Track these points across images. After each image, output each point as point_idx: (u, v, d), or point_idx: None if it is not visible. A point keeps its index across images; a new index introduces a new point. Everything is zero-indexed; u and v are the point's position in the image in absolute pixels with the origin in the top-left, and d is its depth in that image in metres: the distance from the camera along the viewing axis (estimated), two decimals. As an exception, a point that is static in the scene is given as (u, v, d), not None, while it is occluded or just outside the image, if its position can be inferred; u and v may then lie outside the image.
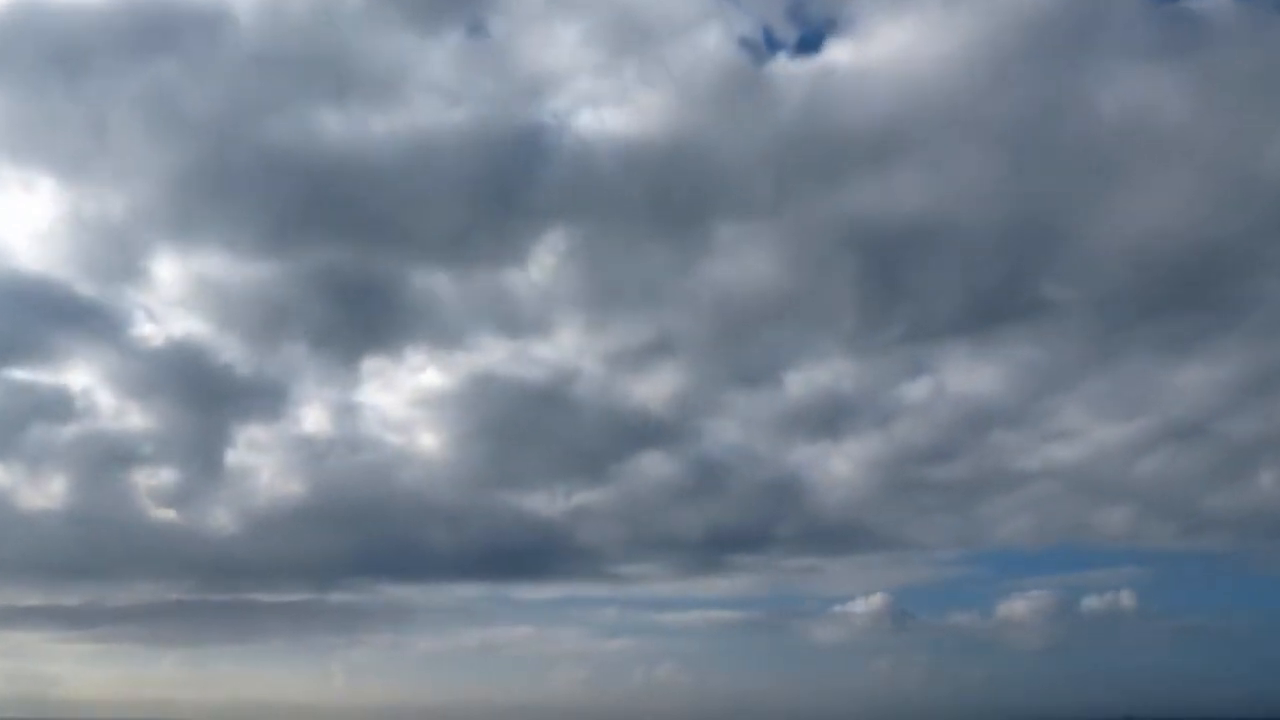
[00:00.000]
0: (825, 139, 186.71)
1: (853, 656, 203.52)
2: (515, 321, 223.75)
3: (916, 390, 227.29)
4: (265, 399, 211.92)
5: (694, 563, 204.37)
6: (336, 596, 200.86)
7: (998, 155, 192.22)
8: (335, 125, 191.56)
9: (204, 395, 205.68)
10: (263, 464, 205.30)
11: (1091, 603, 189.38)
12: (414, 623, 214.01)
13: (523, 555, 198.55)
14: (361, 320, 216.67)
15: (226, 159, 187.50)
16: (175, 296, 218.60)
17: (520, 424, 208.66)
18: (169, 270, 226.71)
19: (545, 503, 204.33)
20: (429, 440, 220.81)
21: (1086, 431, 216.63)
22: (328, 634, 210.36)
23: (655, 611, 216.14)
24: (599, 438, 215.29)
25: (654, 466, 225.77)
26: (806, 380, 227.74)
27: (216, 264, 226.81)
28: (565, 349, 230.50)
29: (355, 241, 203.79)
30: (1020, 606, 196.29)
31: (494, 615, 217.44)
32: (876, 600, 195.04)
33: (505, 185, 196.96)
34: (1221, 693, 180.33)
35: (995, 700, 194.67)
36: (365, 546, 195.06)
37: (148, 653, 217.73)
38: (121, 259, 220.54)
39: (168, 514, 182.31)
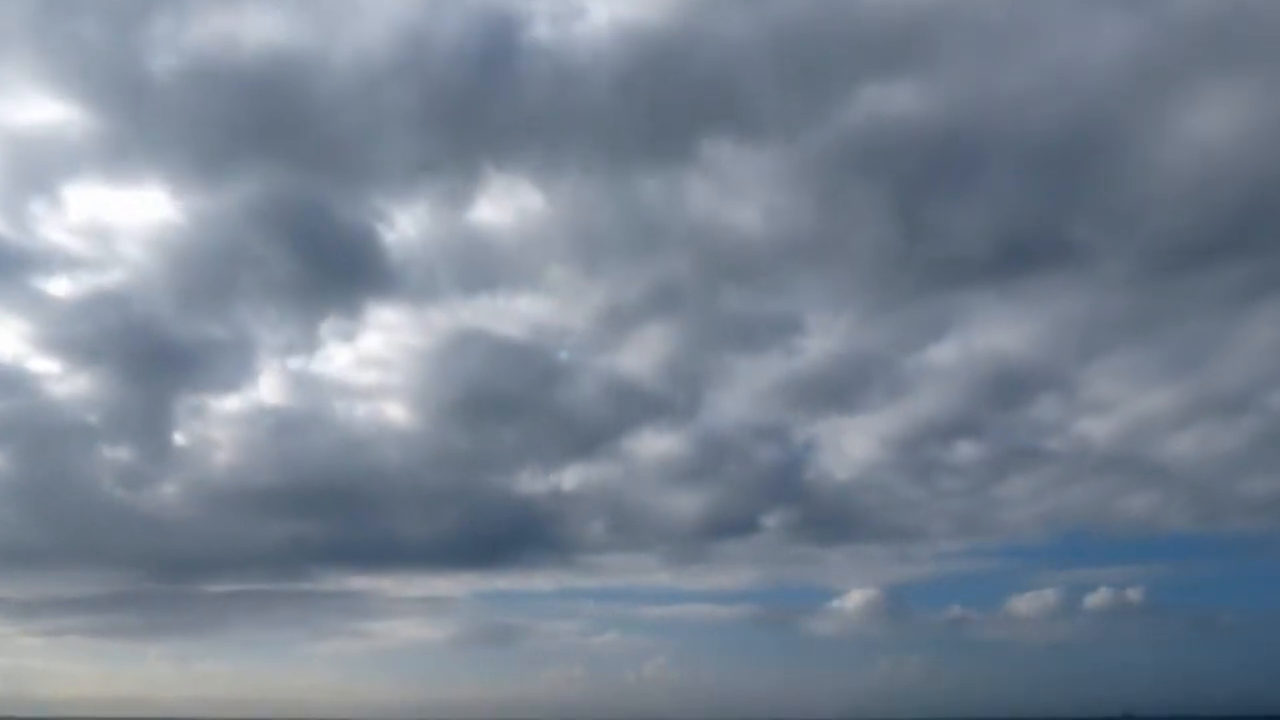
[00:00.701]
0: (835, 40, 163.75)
1: (851, 652, 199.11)
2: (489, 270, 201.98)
3: (933, 355, 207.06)
4: (212, 364, 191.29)
5: (685, 552, 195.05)
6: (296, 586, 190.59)
7: (1032, 61, 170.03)
8: (270, 29, 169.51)
9: (137, 360, 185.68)
10: (210, 441, 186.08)
11: (1115, 596, 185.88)
12: (382, 615, 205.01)
13: (502, 542, 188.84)
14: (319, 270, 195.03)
15: (146, 70, 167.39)
16: (93, 238, 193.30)
17: (501, 394, 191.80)
18: (85, 207, 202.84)
19: (527, 484, 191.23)
20: (397, 412, 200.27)
21: (1119, 404, 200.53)
22: (284, 628, 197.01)
23: (645, 604, 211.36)
24: (587, 410, 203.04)
25: (645, 444, 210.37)
26: (813, 342, 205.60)
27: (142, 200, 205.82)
28: (549, 304, 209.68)
29: (302, 170, 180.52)
30: (1034, 601, 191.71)
31: (470, 606, 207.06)
32: (876, 594, 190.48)
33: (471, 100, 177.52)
34: (1240, 688, 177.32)
35: (1003, 697, 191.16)
36: (328, 533, 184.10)
37: (92, 645, 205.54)
38: (27, 191, 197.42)
39: (102, 495, 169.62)
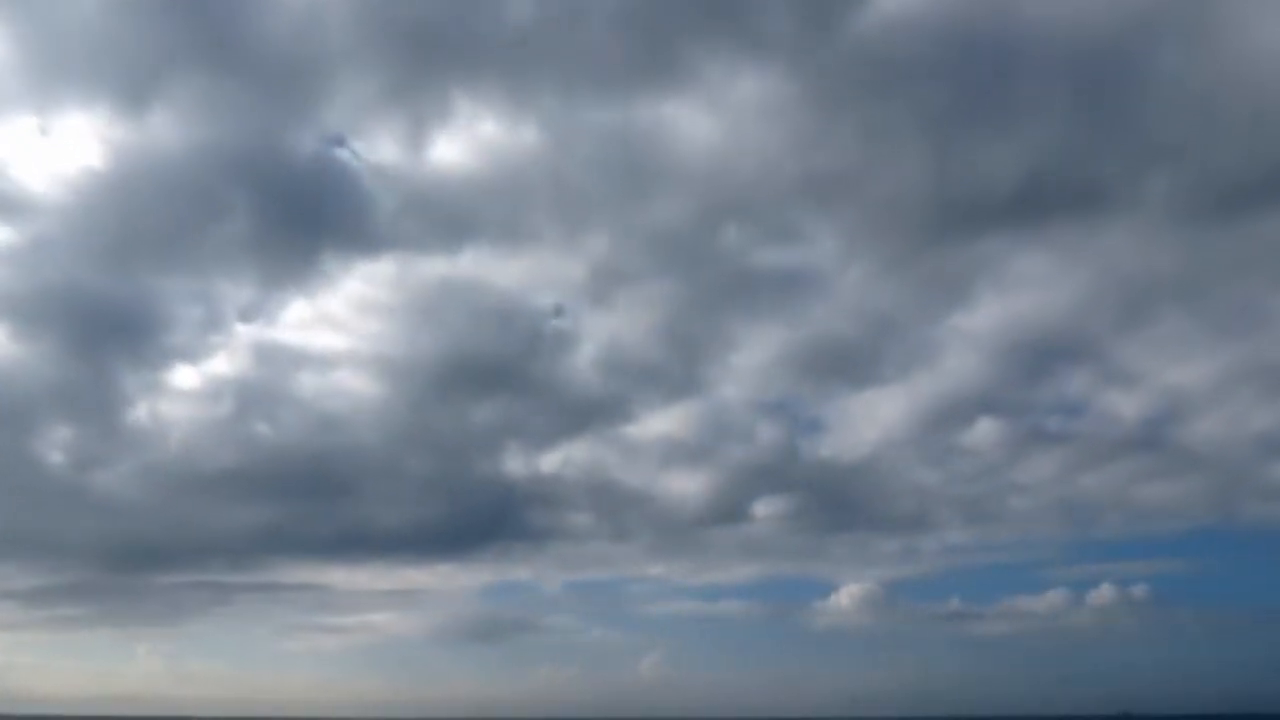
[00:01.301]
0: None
1: (846, 647, 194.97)
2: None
3: (957, 319, 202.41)
4: (149, 332, 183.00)
5: (680, 542, 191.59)
6: (260, 578, 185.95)
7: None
8: None
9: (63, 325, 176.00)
10: (150, 418, 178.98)
11: (1121, 592, 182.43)
12: (355, 609, 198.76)
13: (483, 531, 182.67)
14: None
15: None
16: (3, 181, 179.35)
17: (481, 363, 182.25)
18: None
19: (511, 465, 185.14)
20: (366, 384, 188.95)
21: (1151, 376, 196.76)
22: (247, 622, 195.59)
23: (637, 598, 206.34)
24: (576, 383, 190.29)
25: (639, 422, 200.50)
26: (825, 306, 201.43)
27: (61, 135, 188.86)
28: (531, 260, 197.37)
29: (248, 98, 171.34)
30: (1038, 597, 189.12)
31: (445, 598, 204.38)
32: (876, 587, 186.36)
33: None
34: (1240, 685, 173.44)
35: (1001, 694, 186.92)
36: (294, 520, 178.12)
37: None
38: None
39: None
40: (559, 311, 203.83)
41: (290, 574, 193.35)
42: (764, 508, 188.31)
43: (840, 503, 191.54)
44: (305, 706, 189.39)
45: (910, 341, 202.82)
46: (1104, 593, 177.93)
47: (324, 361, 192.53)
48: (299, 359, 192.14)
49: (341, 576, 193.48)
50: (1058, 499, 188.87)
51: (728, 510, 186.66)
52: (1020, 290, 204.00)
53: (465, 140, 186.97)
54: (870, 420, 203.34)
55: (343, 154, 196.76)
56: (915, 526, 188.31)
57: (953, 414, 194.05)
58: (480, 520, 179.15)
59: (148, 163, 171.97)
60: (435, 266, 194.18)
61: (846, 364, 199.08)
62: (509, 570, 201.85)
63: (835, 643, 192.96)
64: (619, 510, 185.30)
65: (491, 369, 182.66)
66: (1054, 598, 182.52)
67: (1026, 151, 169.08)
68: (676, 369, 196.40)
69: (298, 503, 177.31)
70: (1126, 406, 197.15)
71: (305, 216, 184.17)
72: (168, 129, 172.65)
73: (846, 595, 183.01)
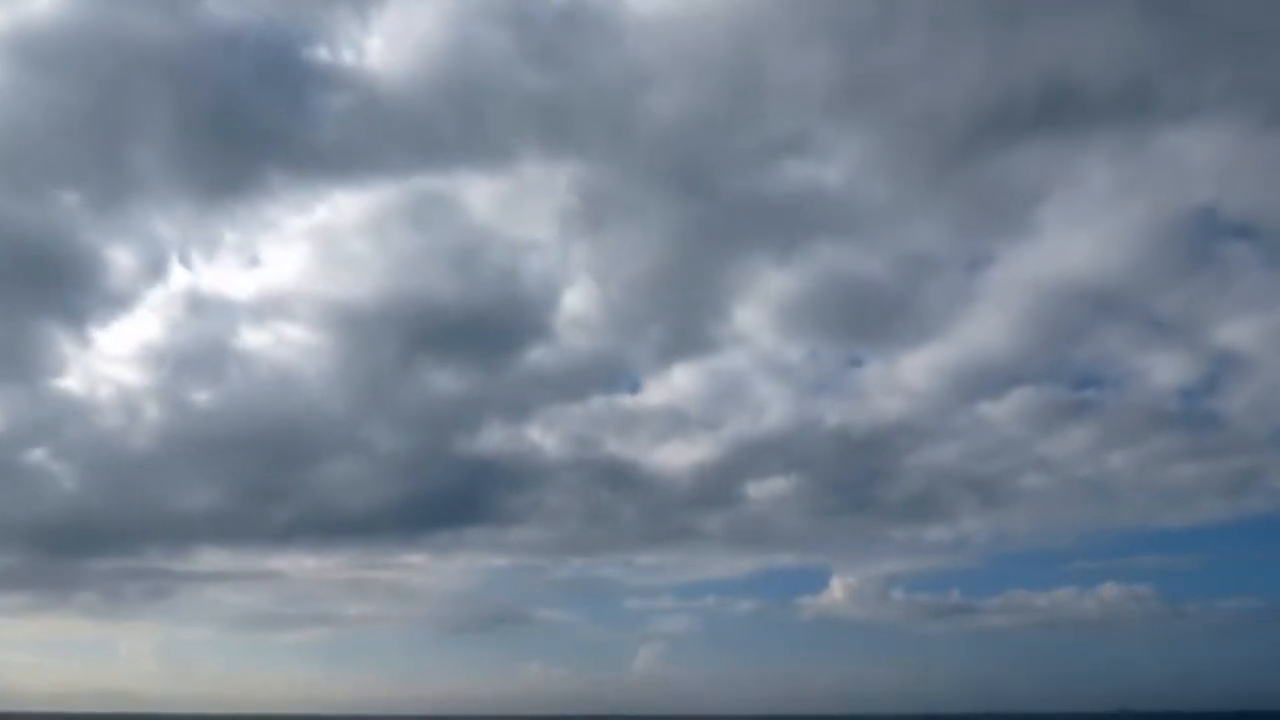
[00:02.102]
0: None
1: (839, 641, 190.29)
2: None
3: (989, 270, 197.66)
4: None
5: (667, 528, 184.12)
6: (199, 565, 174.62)
7: None
8: None
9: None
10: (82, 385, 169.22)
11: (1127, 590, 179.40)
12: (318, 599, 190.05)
13: (452, 513, 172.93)
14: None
15: None
16: None
17: (446, 322, 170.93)
18: None
19: (484, 441, 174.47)
20: (312, 341, 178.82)
21: (1198, 330, 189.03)
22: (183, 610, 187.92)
23: (622, 590, 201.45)
24: (556, 344, 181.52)
25: (625, 390, 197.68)
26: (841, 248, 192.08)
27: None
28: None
29: None
30: (1041, 592, 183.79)
31: (414, 588, 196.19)
32: (872, 578, 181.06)
33: None
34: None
35: (999, 691, 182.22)
36: (238, 501, 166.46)
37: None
38: None
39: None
40: (529, 251, 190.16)
41: (238, 561, 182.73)
42: (766, 488, 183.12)
43: (847, 483, 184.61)
44: (257, 704, 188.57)
45: (940, 289, 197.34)
46: (1111, 588, 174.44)
47: (266, 315, 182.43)
48: (237, 314, 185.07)
49: (295, 564, 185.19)
50: (1081, 479, 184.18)
51: (723, 492, 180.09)
52: (1064, 225, 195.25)
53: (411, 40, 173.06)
54: (892, 384, 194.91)
55: (287, 52, 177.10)
56: (924, 512, 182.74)
57: (981, 380, 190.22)
58: (452, 502, 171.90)
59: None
60: (391, 194, 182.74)
61: (865, 317, 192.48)
62: (484, 558, 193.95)
63: (833, 635, 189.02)
64: (609, 491, 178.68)
65: (465, 321, 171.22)
66: (1061, 594, 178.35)
67: (1073, 50, 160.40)
68: (674, 323, 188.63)
69: (245, 481, 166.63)
70: (1168, 372, 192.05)
71: (244, 129, 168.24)
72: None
73: (844, 586, 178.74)
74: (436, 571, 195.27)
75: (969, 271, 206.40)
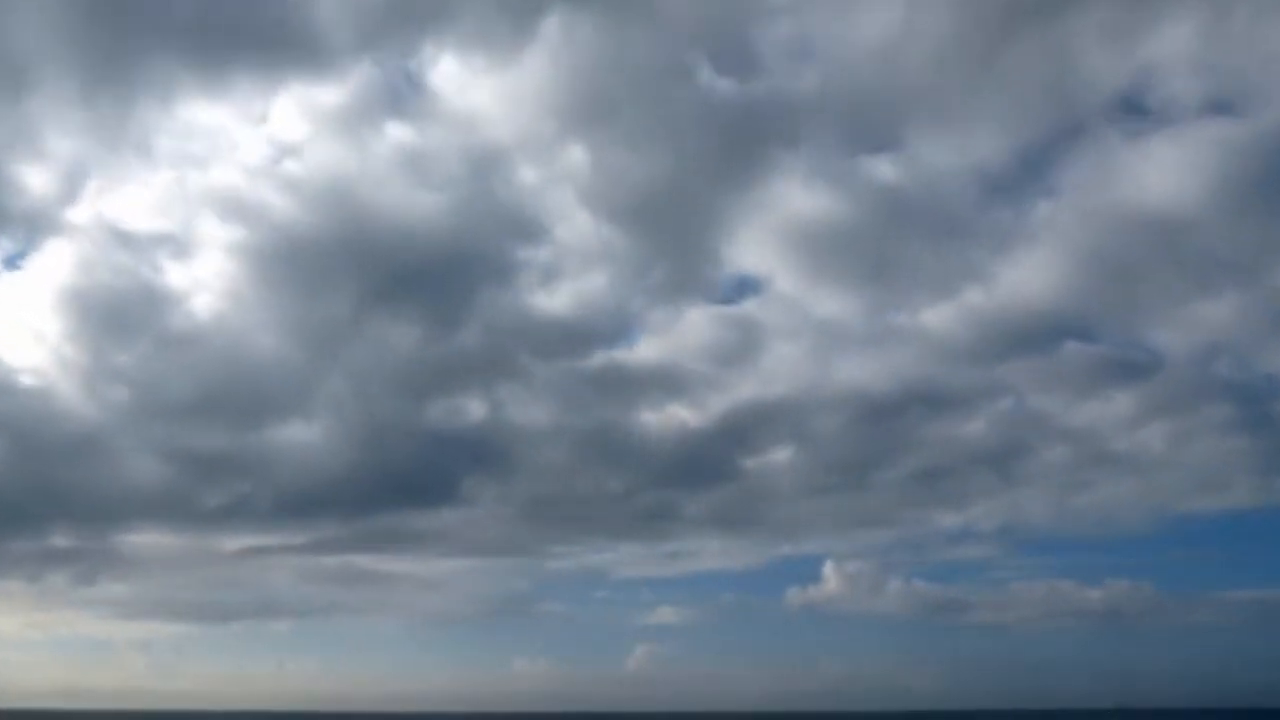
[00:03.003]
0: None
1: (833, 636, 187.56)
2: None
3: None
4: None
5: (635, 525, 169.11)
6: (122, 546, 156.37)
7: None
8: None
9: None
10: None
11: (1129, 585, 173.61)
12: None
13: (413, 492, 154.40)
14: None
15: None
16: None
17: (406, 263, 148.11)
18: None
19: (455, 406, 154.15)
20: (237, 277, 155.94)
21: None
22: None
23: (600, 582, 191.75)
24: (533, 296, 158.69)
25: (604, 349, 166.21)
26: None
27: None
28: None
29: None
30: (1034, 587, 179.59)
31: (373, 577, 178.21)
32: (866, 568, 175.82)
33: None
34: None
35: (995, 687, 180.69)
36: (164, 479, 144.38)
37: None
38: None
39: None
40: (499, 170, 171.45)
41: (173, 543, 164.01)
42: (768, 461, 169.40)
43: (855, 455, 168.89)
44: (186, 700, 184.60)
45: (992, 219, 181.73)
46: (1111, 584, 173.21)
47: (178, 245, 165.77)
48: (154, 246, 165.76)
49: (240, 546, 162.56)
50: (1114, 455, 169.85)
51: (727, 467, 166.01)
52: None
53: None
54: (918, 336, 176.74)
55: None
56: (938, 492, 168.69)
57: (1027, 335, 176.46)
58: (415, 480, 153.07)
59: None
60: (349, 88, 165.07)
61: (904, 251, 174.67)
62: (449, 547, 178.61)
63: (815, 630, 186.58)
64: (596, 465, 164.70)
65: (417, 270, 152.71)
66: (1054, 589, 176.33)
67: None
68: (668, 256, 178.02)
69: (170, 455, 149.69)
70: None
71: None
72: None
73: (833, 578, 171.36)
74: (402, 559, 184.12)
75: (1025, 196, 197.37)
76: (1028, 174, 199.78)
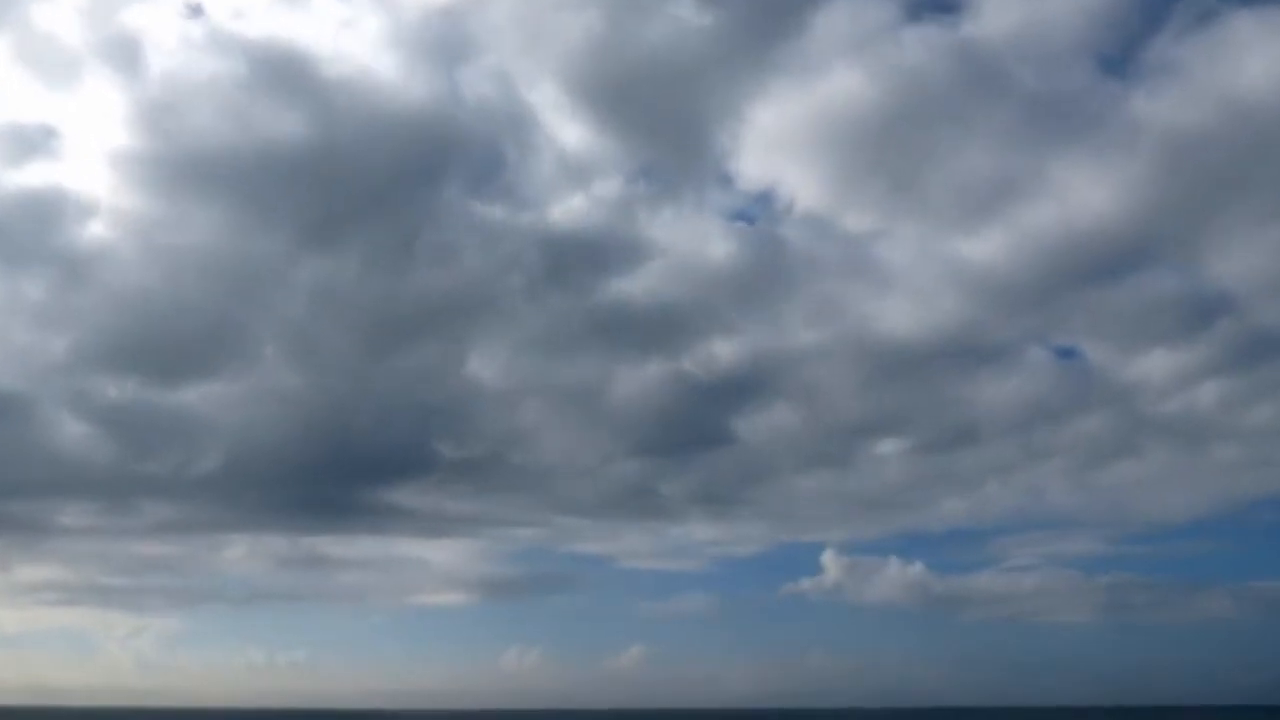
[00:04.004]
0: None
1: (823, 629, 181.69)
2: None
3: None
4: None
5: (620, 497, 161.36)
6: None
7: None
8: None
9: None
10: None
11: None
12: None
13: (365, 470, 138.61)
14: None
15: None
16: None
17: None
18: None
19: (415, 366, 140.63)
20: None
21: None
22: None
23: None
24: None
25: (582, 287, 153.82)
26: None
27: None
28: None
29: None
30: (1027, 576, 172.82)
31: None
32: (860, 559, 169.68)
33: None
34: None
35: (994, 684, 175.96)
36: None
37: None
38: None
39: None
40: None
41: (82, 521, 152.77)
42: (738, 426, 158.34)
43: (863, 418, 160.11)
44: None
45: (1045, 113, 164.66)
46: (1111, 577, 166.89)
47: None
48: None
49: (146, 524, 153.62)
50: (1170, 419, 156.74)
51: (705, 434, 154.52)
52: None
53: None
54: (954, 264, 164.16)
55: None
56: (944, 468, 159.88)
57: (1084, 266, 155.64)
58: (373, 450, 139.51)
59: None
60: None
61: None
62: (396, 526, 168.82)
63: (807, 622, 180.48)
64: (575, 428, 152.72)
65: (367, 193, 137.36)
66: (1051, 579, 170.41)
67: None
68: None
69: (82, 415, 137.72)
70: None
71: None
72: None
73: (826, 569, 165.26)
74: (360, 540, 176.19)
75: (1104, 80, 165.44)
76: (1112, 49, 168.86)
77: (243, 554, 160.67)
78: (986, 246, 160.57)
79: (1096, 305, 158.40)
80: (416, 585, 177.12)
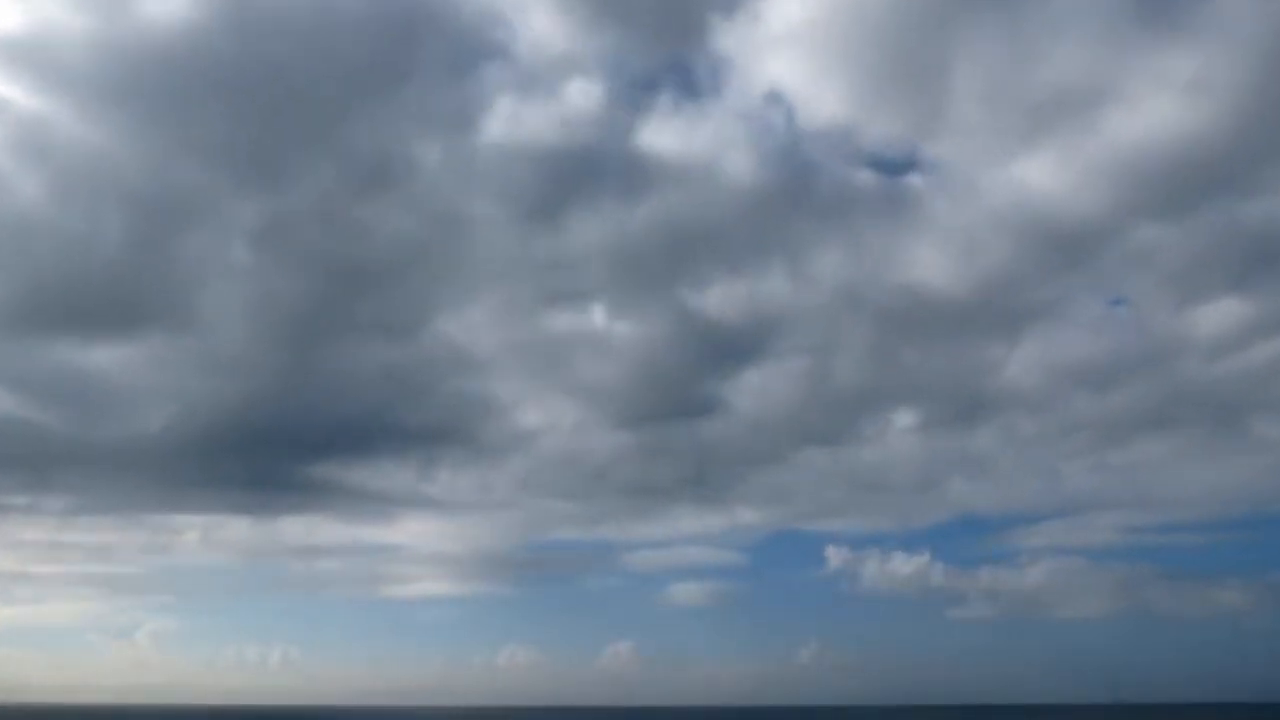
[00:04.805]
0: None
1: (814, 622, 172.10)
2: None
3: None
4: None
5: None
6: None
7: None
8: None
9: None
10: None
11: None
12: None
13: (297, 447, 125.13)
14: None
15: None
16: None
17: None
18: None
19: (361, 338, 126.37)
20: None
21: None
22: None
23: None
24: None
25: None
26: None
27: None
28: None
29: None
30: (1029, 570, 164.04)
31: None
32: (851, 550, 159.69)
33: None
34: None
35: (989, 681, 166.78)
36: None
37: None
38: None
39: None
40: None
41: None
42: (731, 393, 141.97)
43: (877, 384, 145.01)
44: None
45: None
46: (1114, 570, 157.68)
47: None
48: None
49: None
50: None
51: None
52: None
53: None
54: (989, 202, 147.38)
55: None
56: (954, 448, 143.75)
57: (1157, 193, 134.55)
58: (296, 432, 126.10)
59: None
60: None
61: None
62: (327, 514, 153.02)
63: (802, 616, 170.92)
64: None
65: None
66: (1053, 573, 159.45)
67: None
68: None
69: None
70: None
71: None
72: None
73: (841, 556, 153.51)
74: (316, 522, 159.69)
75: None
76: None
77: (193, 539, 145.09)
78: (1037, 171, 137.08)
79: (1157, 245, 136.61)
80: (386, 573, 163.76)
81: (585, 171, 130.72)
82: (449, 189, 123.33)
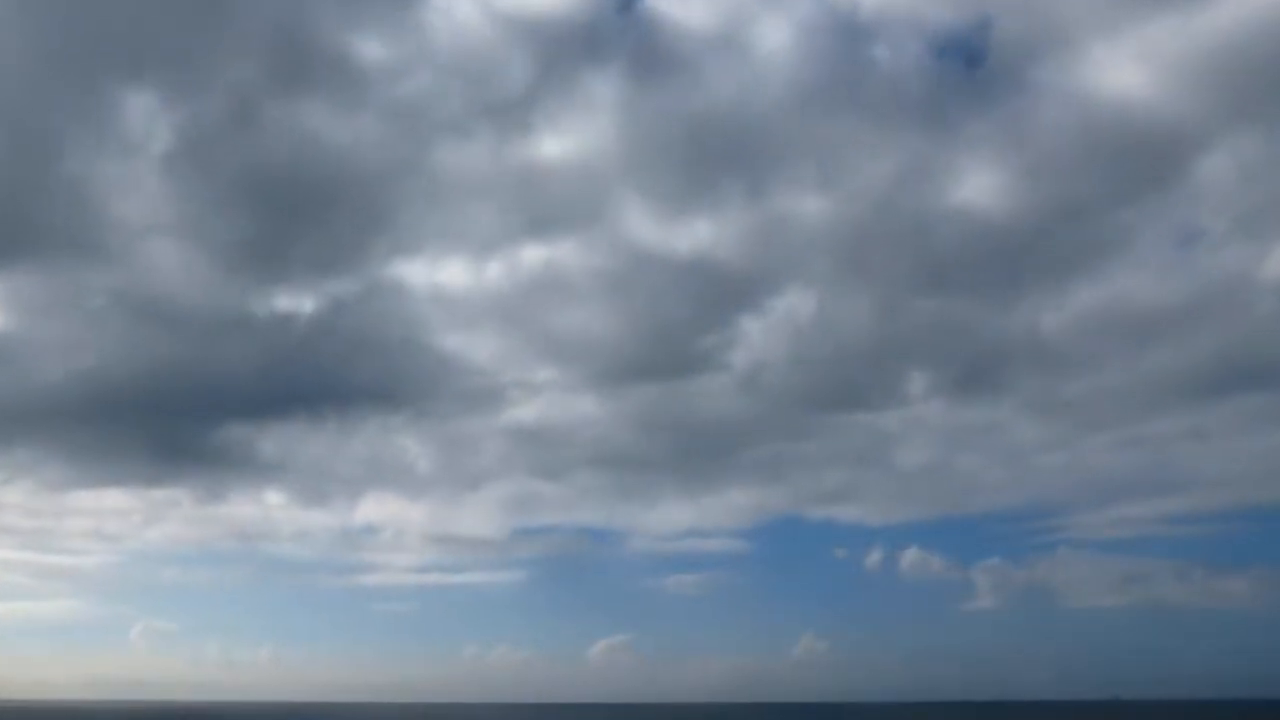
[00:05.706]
0: None
1: (809, 618, 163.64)
2: None
3: None
4: None
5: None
6: None
7: None
8: None
9: None
10: None
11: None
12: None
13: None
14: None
15: None
16: None
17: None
18: None
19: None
20: None
21: None
22: None
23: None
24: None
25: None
26: None
27: None
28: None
29: None
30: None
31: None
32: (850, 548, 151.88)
33: None
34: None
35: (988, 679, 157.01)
36: None
37: None
38: None
39: None
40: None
41: None
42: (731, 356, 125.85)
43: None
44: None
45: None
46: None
47: None
48: None
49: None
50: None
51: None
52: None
53: None
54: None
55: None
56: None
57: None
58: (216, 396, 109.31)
59: None
60: None
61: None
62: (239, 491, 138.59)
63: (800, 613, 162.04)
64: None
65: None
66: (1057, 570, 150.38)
67: None
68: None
69: None
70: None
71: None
72: None
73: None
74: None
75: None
76: None
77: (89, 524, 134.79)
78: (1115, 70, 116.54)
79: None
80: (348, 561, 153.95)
81: (578, 53, 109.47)
82: (399, 83, 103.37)
